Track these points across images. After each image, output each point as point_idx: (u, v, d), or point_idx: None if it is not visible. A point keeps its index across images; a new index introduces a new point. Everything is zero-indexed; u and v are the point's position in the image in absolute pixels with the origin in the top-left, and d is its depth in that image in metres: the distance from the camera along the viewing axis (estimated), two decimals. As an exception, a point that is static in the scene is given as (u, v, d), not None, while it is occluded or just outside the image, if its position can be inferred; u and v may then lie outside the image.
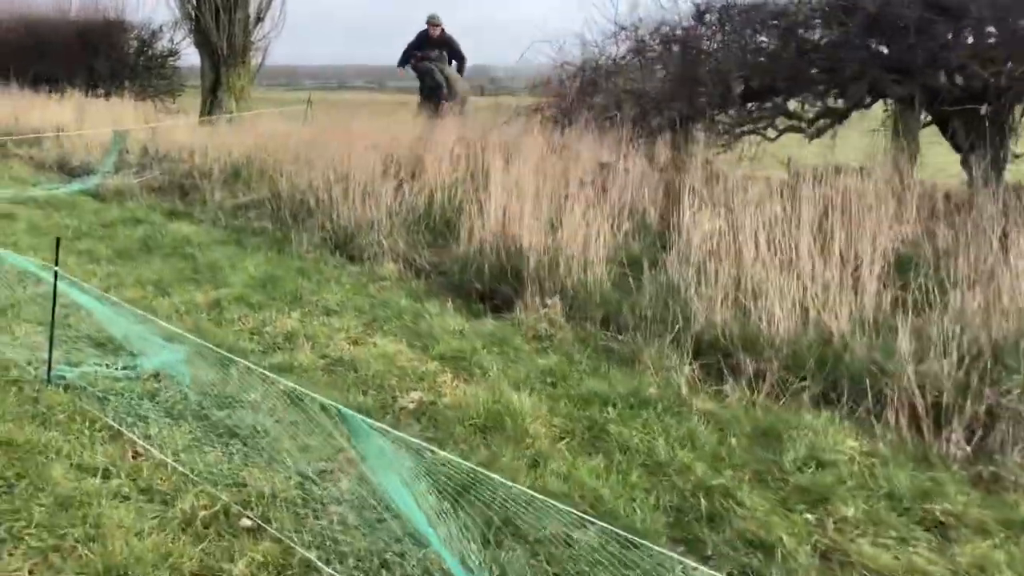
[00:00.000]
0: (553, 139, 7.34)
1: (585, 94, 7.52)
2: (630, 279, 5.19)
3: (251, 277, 5.53)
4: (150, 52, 15.49)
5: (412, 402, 3.73)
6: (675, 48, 7.16)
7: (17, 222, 7.06)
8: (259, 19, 12.57)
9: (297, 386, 3.14)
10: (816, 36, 6.30)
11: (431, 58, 11.79)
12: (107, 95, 14.68)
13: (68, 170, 10.08)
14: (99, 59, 14.82)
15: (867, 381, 3.71)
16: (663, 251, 5.31)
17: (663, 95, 7.24)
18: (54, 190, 8.71)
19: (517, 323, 4.78)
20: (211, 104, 12.66)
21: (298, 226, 6.81)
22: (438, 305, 5.09)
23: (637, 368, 4.16)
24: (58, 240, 3.85)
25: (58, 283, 3.92)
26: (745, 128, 6.80)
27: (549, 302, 4.90)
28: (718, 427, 3.48)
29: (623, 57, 7.68)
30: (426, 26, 12.40)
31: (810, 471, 3.12)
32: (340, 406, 2.56)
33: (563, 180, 6.10)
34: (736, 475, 3.10)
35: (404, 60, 12.19)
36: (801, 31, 6.30)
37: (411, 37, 12.16)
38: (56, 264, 3.82)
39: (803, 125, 6.69)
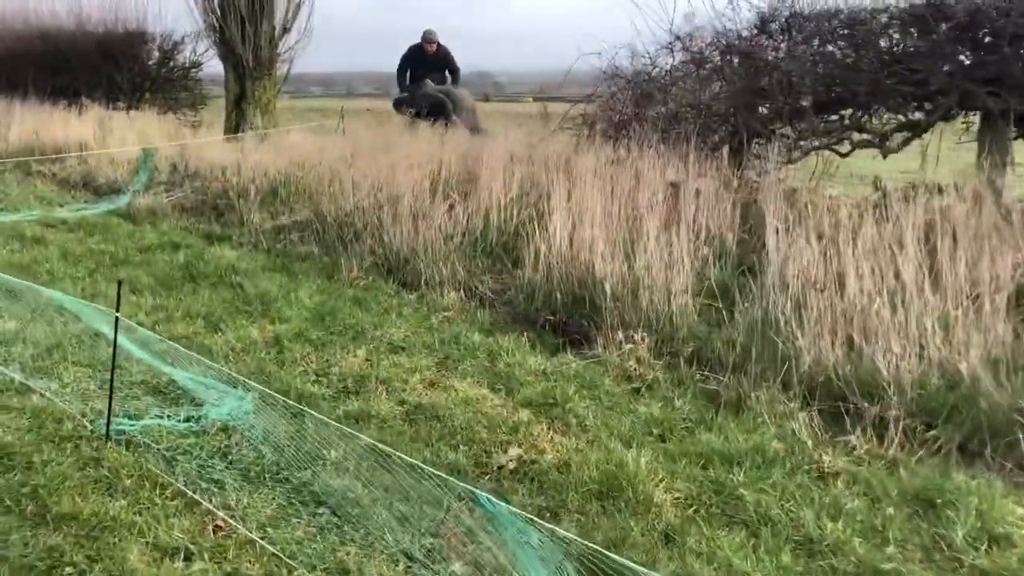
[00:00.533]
0: (608, 154, 6.99)
1: (639, 107, 7.16)
2: (717, 311, 4.83)
3: (306, 309, 5.18)
4: (172, 64, 15.17)
5: (511, 460, 3.36)
6: (736, 59, 6.79)
7: (48, 247, 6.73)
8: (285, 30, 12.24)
9: (382, 444, 2.80)
10: (896, 45, 5.93)
11: (428, 87, 11.63)
12: (128, 108, 14.37)
13: (94, 188, 9.76)
14: (120, 71, 14.50)
15: (1018, 432, 3.34)
16: (748, 279, 4.95)
17: (724, 108, 6.88)
18: (83, 211, 8.39)
19: (602, 361, 4.42)
20: (236, 117, 12.33)
21: (346, 250, 6.46)
22: (512, 340, 4.73)
23: (746, 415, 3.79)
24: (120, 284, 3.49)
25: (115, 331, 3.57)
26: (815, 143, 6.43)
27: (636, 337, 4.54)
28: (863, 491, 3.11)
29: (678, 68, 7.32)
30: (421, 42, 12.10)
31: (984, 548, 2.75)
32: (477, 491, 2.21)
33: (630, 200, 5.74)
34: (902, 554, 2.73)
35: (403, 87, 12.04)
36: (879, 40, 5.93)
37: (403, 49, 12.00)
38: (117, 309, 3.46)
39: (878, 139, 6.31)
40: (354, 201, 6.94)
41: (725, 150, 6.99)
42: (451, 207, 6.48)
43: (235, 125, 12.26)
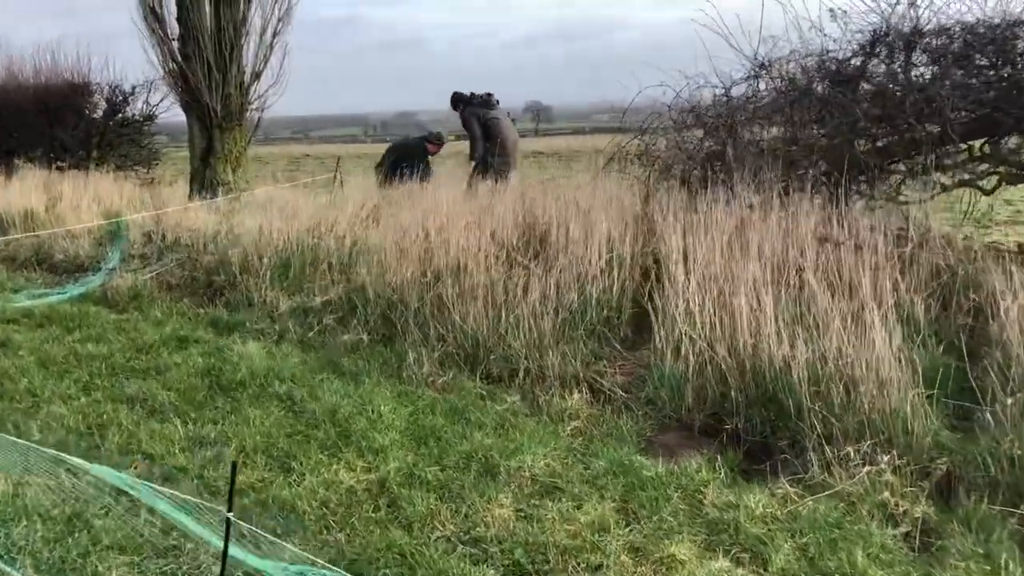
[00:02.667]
0: (706, 201, 5.92)
1: (729, 143, 6.11)
2: (950, 409, 3.75)
3: (397, 430, 3.92)
4: (122, 116, 13.66)
5: None
6: (840, 85, 5.81)
7: (18, 353, 5.31)
8: (256, 75, 10.94)
9: None
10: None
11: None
12: (71, 167, 12.79)
13: (50, 267, 8.27)
14: (63, 127, 12.92)
15: None
16: (965, 362, 3.88)
17: (827, 142, 5.88)
18: (47, 297, 6.94)
19: (840, 495, 3.26)
20: (204, 174, 10.94)
21: (403, 337, 5.22)
22: (694, 465, 3.55)
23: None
24: (234, 466, 2.20)
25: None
26: (957, 177, 5.46)
27: (870, 453, 3.41)
28: None
29: (763, 98, 6.31)
30: (429, 146, 10.89)
31: None
32: None
33: (781, 260, 4.64)
34: None
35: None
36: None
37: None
38: (230, 508, 2.17)
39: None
40: (400, 274, 5.69)
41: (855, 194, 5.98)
42: (527, 276, 5.28)
43: (203, 183, 10.87)
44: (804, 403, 3.70)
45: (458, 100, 10.28)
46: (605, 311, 5.05)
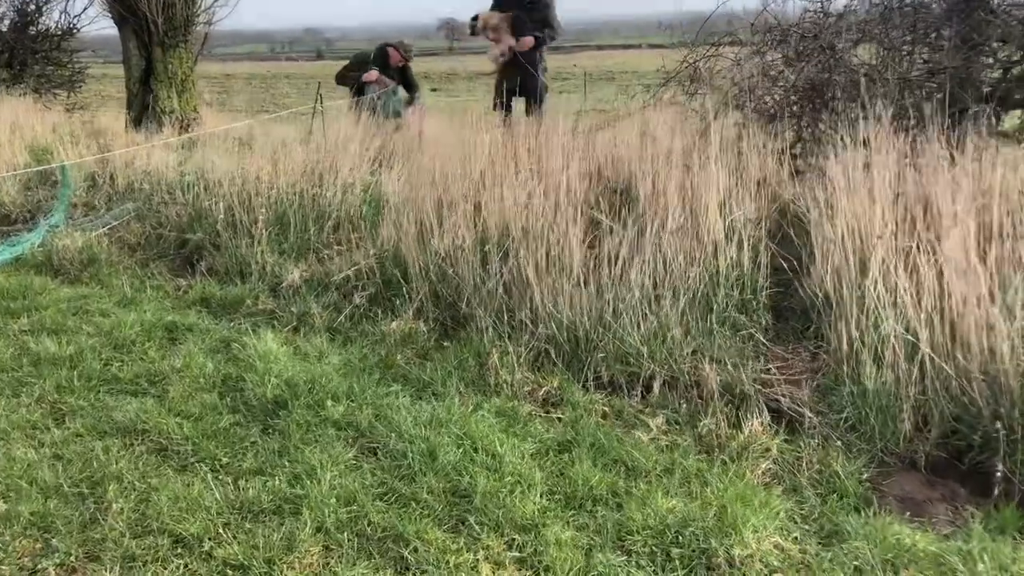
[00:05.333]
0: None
1: (830, 68, 4.99)
2: None
3: (535, 487, 2.76)
4: (35, 30, 11.66)
5: None
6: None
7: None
8: (204, -18, 9.28)
9: None
10: None
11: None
12: (-22, 91, 10.88)
13: (-37, 217, 6.72)
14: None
15: None
16: None
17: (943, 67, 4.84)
18: (-30, 262, 5.46)
19: None
20: (143, 100, 9.31)
21: (468, 326, 4.03)
22: (964, 527, 2.53)
23: None
24: None
25: None
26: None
27: None
28: None
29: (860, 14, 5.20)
30: (390, 51, 9.28)
31: None
32: None
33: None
34: None
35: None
36: None
37: None
38: None
39: None
40: (449, 238, 4.45)
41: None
42: (620, 243, 4.10)
43: (144, 111, 9.26)
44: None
45: None
46: (737, 292, 3.93)
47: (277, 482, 2.81)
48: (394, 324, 4.11)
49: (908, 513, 2.71)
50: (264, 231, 5.15)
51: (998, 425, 2.81)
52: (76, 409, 3.39)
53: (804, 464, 2.94)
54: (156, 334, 4.13)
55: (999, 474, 2.76)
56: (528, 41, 7.38)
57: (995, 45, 5.13)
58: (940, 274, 3.33)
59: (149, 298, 4.71)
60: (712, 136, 4.46)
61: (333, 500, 2.69)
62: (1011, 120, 5.24)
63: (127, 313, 4.39)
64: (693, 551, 2.44)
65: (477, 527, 2.55)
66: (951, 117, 4.84)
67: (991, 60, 5.14)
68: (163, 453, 3.05)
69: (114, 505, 2.71)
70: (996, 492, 2.73)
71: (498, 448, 2.97)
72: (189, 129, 8.74)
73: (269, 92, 25.67)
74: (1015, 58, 5.08)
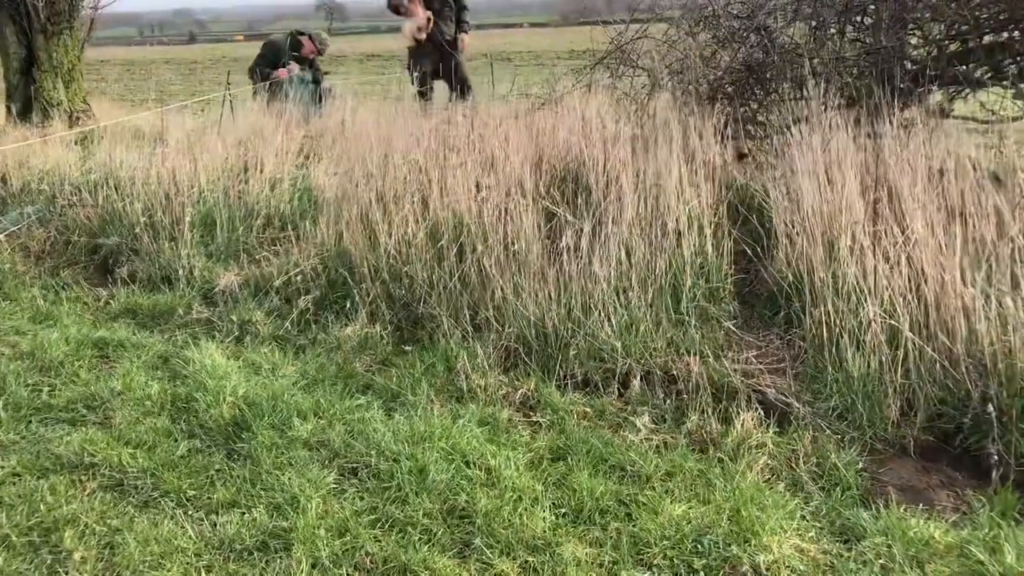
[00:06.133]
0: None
1: (767, 49, 4.98)
2: None
3: (538, 502, 2.61)
4: None
5: None
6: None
7: None
8: (89, -37, 8.63)
9: None
10: None
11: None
12: None
13: None
14: None
15: None
16: None
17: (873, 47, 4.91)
18: None
19: None
20: (25, 92, 8.62)
21: (429, 328, 3.84)
22: (973, 515, 2.53)
23: None
24: None
25: None
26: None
27: None
28: None
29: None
30: (304, 39, 9.16)
31: None
32: None
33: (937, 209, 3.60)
34: None
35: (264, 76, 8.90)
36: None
37: None
38: None
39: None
40: (395, 232, 4.23)
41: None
42: (594, 229, 3.99)
43: (26, 104, 8.57)
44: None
45: None
46: (703, 280, 3.86)
47: (256, 514, 2.57)
48: (348, 330, 3.87)
49: (912, 503, 2.68)
50: (189, 232, 4.80)
51: (989, 408, 2.82)
52: (7, 444, 3.04)
53: (800, 457, 2.89)
54: (85, 352, 3.77)
55: (995, 457, 2.77)
56: (466, 41, 7.42)
57: (925, 23, 5.23)
58: (909, 258, 3.34)
59: (67, 312, 4.32)
60: (657, 120, 4.37)
61: (323, 531, 2.48)
62: (937, 96, 5.36)
63: (48, 331, 4.00)
64: (716, 560, 2.35)
65: (486, 550, 2.39)
66: (890, 95, 4.91)
67: (922, 38, 5.24)
68: (119, 489, 2.76)
69: (75, 555, 2.42)
70: (994, 475, 2.73)
71: (490, 461, 2.80)
72: (78, 122, 8.15)
73: (152, 79, 24.40)
74: (947, 37, 5.19)
